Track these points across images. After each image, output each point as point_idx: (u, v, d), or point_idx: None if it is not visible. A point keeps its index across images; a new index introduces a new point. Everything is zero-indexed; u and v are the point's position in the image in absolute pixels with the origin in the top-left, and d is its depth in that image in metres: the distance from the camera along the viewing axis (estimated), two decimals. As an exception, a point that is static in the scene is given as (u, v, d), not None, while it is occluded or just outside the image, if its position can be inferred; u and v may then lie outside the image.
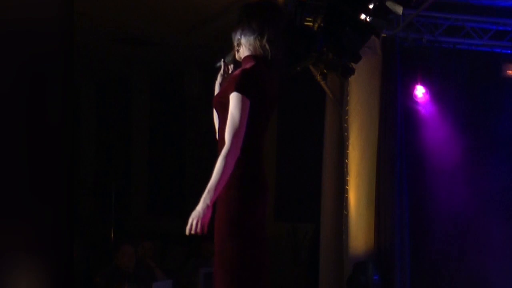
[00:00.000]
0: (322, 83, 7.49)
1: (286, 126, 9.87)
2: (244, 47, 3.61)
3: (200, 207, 3.33)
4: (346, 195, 7.39)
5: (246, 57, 3.61)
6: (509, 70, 7.62)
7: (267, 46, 3.55)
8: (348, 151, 7.39)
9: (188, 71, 10.80)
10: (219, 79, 3.78)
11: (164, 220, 11.19)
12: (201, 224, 3.30)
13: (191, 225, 3.31)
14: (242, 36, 3.60)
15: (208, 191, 3.34)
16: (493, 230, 7.61)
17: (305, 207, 8.93)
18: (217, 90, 3.77)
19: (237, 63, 3.75)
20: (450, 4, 7.36)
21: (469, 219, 7.62)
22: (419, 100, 7.52)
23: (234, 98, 3.40)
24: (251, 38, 3.58)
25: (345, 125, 7.44)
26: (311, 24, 6.31)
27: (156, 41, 9.38)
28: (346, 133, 7.44)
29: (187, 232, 3.34)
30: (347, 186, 7.39)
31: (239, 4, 3.76)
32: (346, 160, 7.41)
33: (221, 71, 3.78)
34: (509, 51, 7.71)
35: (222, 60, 3.79)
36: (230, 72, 3.77)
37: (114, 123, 12.37)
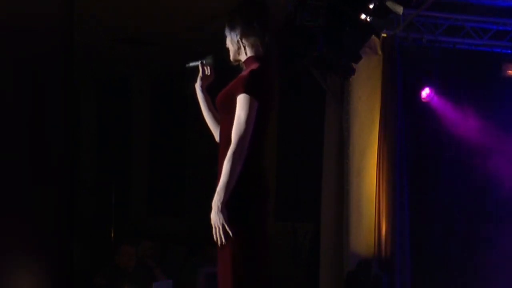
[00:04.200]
0: (322, 83, 7.49)
1: (286, 126, 9.86)
2: (246, 48, 3.56)
3: (213, 213, 3.34)
4: (347, 195, 7.39)
5: (249, 58, 3.56)
6: (509, 70, 7.62)
7: (269, 47, 3.53)
8: (349, 151, 7.39)
9: (188, 71, 10.78)
10: (199, 81, 3.72)
11: (164, 220, 11.19)
12: (222, 229, 3.31)
13: (215, 234, 3.35)
14: (243, 38, 3.55)
15: (217, 193, 3.33)
16: (494, 230, 7.61)
17: (305, 207, 8.92)
18: (198, 92, 3.74)
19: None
20: (450, 4, 7.36)
21: (470, 219, 7.62)
22: (425, 100, 7.49)
23: (242, 99, 3.37)
24: (252, 39, 3.53)
25: (346, 125, 7.45)
26: (311, 24, 6.30)
27: (156, 41, 9.37)
28: (346, 133, 7.44)
29: (216, 241, 3.36)
30: (348, 186, 7.39)
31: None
32: (347, 160, 7.41)
33: (200, 73, 3.72)
34: (509, 51, 7.72)
35: (200, 62, 3.74)
36: (208, 74, 3.73)
37: (114, 123, 12.36)
